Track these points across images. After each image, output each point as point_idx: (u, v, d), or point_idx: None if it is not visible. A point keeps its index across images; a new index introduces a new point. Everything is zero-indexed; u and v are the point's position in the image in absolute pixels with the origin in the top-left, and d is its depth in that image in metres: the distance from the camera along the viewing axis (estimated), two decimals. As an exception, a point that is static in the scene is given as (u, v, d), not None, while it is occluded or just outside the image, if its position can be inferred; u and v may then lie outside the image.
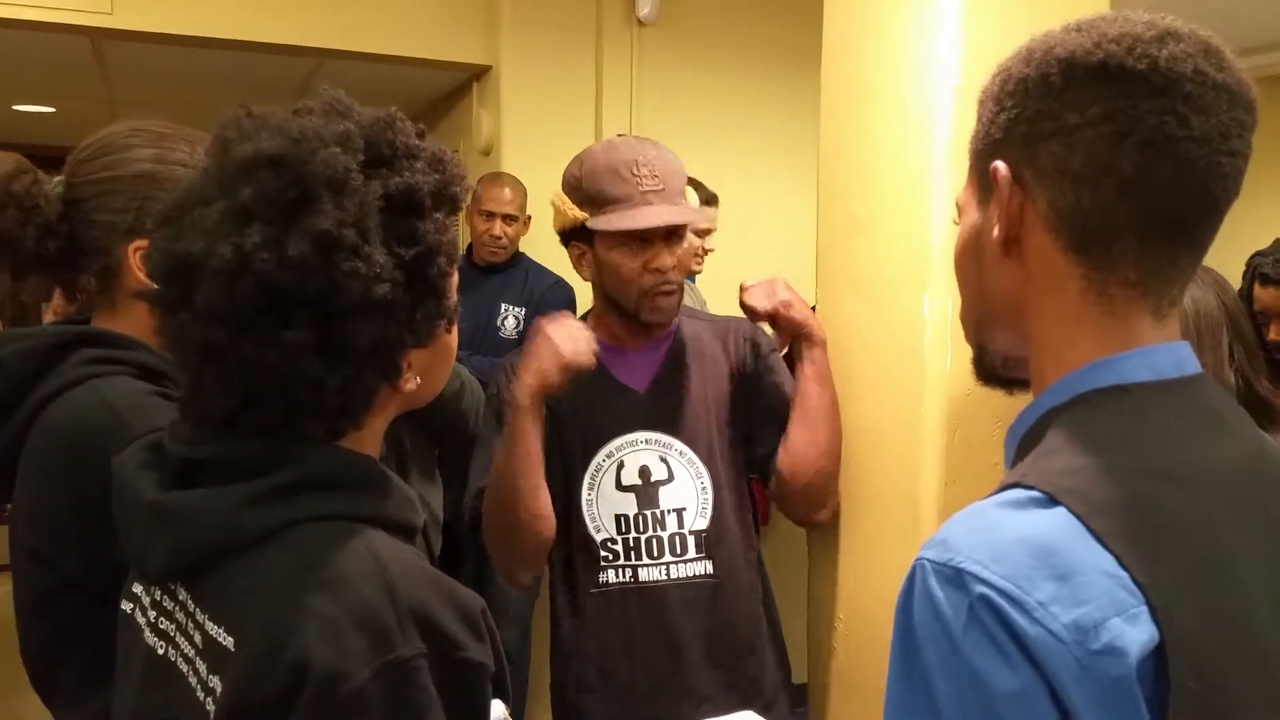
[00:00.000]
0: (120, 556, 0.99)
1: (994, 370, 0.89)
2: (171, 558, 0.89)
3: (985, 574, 0.67)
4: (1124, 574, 0.67)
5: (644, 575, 1.76)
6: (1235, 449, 0.78)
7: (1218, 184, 0.75)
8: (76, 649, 1.20)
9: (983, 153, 0.83)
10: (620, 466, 1.77)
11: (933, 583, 0.69)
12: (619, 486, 1.77)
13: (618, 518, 1.77)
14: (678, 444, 1.78)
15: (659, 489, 1.77)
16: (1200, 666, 0.66)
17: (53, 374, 1.22)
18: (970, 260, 0.86)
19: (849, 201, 1.76)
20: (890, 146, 1.65)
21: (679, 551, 1.76)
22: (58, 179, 1.28)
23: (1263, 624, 0.70)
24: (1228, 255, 4.30)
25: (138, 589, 0.99)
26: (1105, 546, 0.68)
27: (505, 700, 0.94)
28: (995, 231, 0.81)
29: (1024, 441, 0.81)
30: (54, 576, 1.20)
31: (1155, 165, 0.73)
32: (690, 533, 1.77)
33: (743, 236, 3.74)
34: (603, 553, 1.76)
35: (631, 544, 1.77)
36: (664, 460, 1.78)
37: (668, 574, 1.76)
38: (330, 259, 0.83)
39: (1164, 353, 0.78)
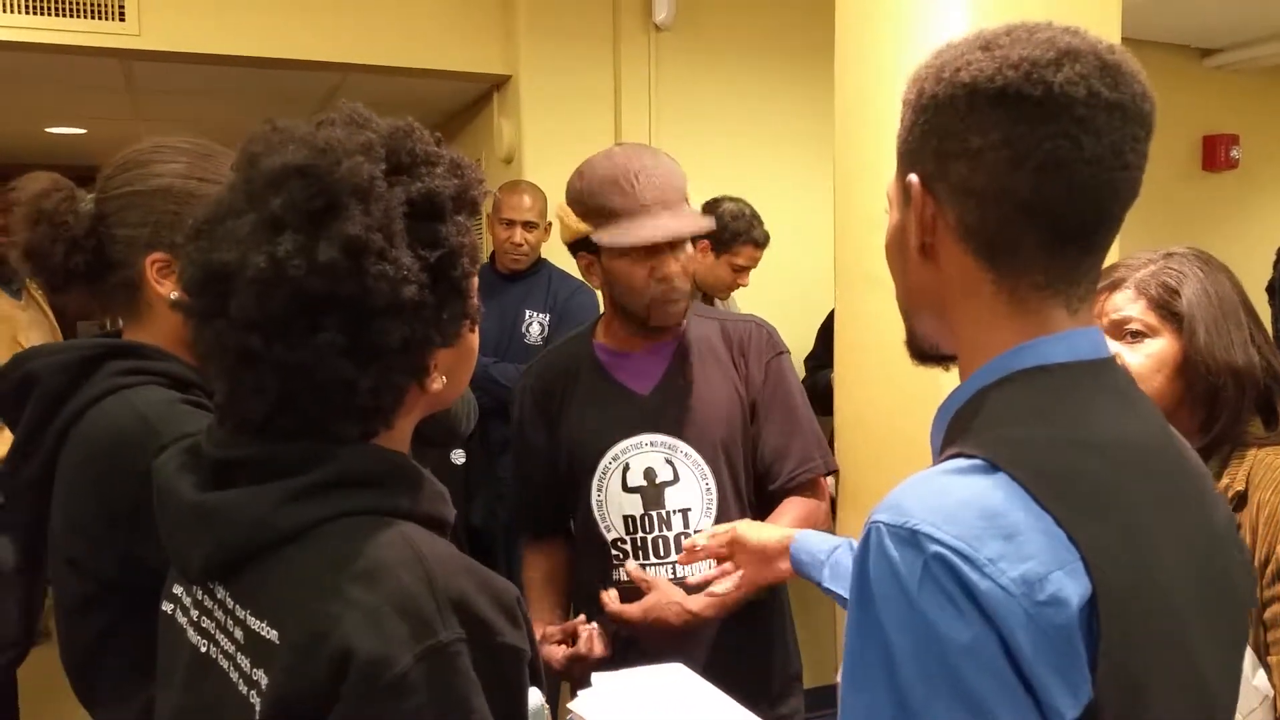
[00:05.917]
0: (155, 561, 1.02)
1: (924, 351, 0.94)
2: (211, 556, 0.91)
3: (939, 534, 0.72)
4: (1061, 533, 0.72)
5: (652, 575, 1.77)
6: (1143, 424, 0.85)
7: (1111, 198, 0.81)
8: (114, 652, 1.22)
9: (904, 156, 0.87)
10: (626, 469, 1.80)
11: (888, 543, 0.74)
12: (625, 488, 1.80)
13: (626, 518, 1.80)
14: (682, 445, 1.80)
15: (664, 490, 1.79)
16: (1123, 616, 0.72)
17: (85, 386, 1.24)
18: (895, 254, 0.91)
19: (864, 199, 1.78)
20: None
21: None
22: (90, 196, 1.30)
23: (1172, 581, 0.77)
24: (1249, 247, 4.26)
25: (178, 589, 1.01)
26: (1044, 508, 0.73)
27: (541, 688, 0.95)
28: (912, 238, 0.86)
29: (957, 418, 0.86)
30: (91, 583, 1.22)
31: (1050, 187, 0.79)
32: (696, 532, 1.77)
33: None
34: (614, 552, 1.80)
35: (639, 544, 1.80)
36: (669, 462, 1.80)
37: (674, 573, 1.78)
38: (359, 263, 0.86)
39: (1081, 336, 0.84)
